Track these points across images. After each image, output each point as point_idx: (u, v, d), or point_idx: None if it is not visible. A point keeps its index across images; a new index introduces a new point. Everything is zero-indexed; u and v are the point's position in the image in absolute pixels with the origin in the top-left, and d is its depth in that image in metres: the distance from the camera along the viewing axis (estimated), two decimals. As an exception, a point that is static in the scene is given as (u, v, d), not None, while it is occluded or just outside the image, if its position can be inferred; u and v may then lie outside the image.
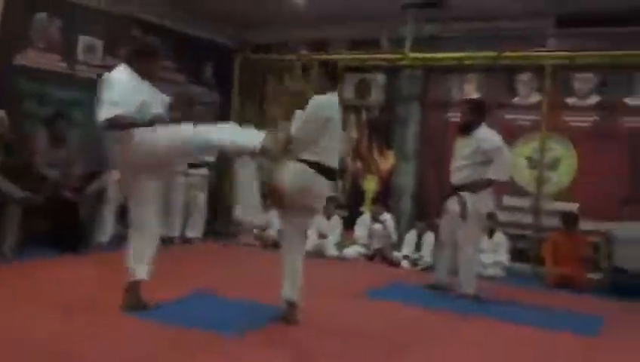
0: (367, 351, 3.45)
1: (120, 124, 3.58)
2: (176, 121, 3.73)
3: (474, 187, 5.21)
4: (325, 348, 3.45)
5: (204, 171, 7.47)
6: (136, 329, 3.46)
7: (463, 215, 5.20)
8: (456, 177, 5.30)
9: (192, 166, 7.23)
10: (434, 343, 3.74)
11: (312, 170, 3.76)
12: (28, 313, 3.56)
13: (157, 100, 3.86)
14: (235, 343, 3.35)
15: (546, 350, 3.84)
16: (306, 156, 3.77)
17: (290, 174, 3.79)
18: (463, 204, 5.20)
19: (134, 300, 3.77)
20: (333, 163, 3.87)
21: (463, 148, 5.34)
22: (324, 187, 3.88)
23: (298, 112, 3.96)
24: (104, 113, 3.56)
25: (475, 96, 7.63)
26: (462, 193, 5.23)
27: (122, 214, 6.51)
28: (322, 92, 3.94)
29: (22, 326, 3.28)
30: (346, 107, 8.61)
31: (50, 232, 5.87)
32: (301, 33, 8.53)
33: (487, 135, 5.25)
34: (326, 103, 3.86)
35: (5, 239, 5.21)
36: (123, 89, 3.65)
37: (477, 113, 5.36)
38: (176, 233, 7.22)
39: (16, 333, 3.15)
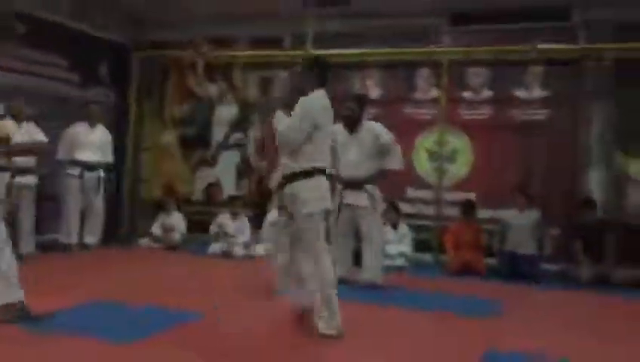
0: (274, 347, 3.39)
1: None
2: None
3: (376, 179, 5.34)
4: (227, 348, 3.36)
5: (99, 173, 7.09)
6: (22, 339, 3.21)
7: (375, 207, 5.30)
8: (357, 171, 5.35)
9: (87, 168, 6.88)
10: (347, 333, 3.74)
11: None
12: None
13: None
14: (133, 348, 3.18)
15: (453, 333, 3.93)
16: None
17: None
18: (372, 196, 5.29)
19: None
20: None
21: (351, 144, 5.38)
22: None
23: (279, 113, 3.77)
24: None
25: (376, 92, 7.79)
26: (367, 186, 5.30)
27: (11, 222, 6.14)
28: (306, 90, 3.73)
29: None
30: (250, 105, 8.59)
31: None
32: (203, 31, 8.34)
33: (381, 129, 5.44)
34: (317, 104, 3.68)
35: None
36: None
37: (364, 108, 5.55)
38: (73, 239, 6.85)
39: None
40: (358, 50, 7.60)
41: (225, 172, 8.63)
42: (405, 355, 3.41)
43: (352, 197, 5.36)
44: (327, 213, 3.78)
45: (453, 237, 6.76)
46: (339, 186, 5.30)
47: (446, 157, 7.45)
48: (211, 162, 8.74)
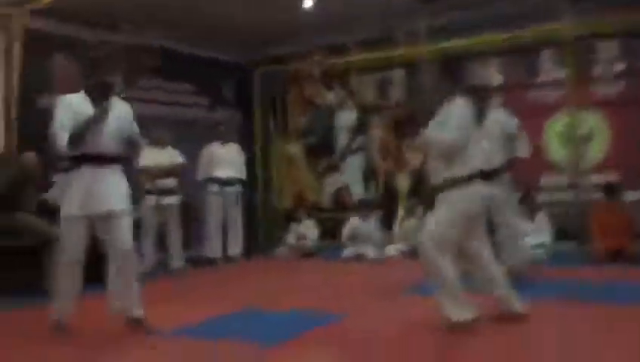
0: (421, 346, 3.40)
1: None
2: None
3: (506, 169, 5.21)
4: (371, 348, 3.41)
5: (237, 188, 7.46)
6: (186, 346, 3.48)
7: (509, 196, 5.23)
8: (488, 163, 5.22)
9: (225, 184, 7.28)
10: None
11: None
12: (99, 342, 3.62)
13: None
14: (279, 349, 3.34)
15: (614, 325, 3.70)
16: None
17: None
18: (505, 186, 5.21)
19: None
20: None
21: (479, 136, 5.27)
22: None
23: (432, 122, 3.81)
24: None
25: (497, 79, 7.54)
26: (500, 176, 5.17)
27: (161, 242, 6.67)
28: (444, 95, 3.81)
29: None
30: (368, 108, 8.66)
31: (91, 267, 5.94)
32: (315, 40, 8.54)
33: (506, 117, 5.34)
34: (466, 110, 3.74)
35: (49, 278, 5.28)
36: None
37: (487, 99, 5.45)
38: (217, 253, 7.29)
39: None
40: (475, 39, 7.39)
41: (352, 176, 8.75)
42: (554, 352, 3.26)
43: (485, 189, 5.25)
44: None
45: (598, 222, 6.34)
46: None
47: (581, 139, 7.03)
48: (337, 168, 8.91)
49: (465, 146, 3.68)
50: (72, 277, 3.79)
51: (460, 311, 3.56)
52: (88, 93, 3.80)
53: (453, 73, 3.97)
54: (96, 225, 3.76)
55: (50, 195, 5.91)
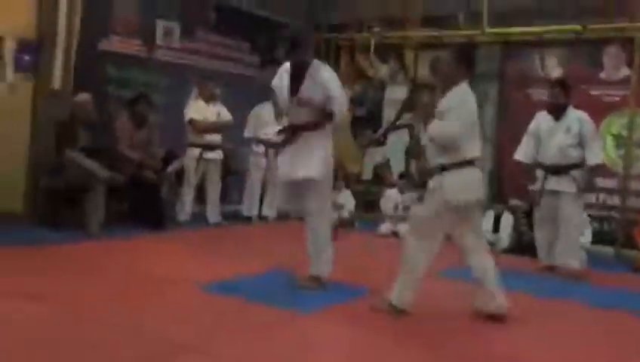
0: (439, 329, 3.41)
1: None
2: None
3: (579, 167, 5.27)
4: (397, 325, 3.43)
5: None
6: (217, 303, 3.56)
7: (579, 193, 5.26)
8: (562, 157, 5.27)
9: (271, 146, 7.31)
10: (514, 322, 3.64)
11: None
12: (120, 287, 3.74)
13: None
14: (308, 319, 3.39)
15: (629, 335, 3.65)
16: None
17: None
18: (577, 182, 5.24)
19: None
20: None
21: (557, 130, 5.30)
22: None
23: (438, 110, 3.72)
24: None
25: (557, 72, 7.31)
26: (573, 172, 5.24)
27: (200, 194, 6.78)
28: (454, 80, 3.70)
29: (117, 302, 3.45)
30: (420, 85, 8.53)
31: (133, 212, 6.11)
32: (374, 11, 8.41)
33: (587, 118, 5.34)
34: (471, 100, 3.71)
35: (92, 218, 5.45)
36: None
37: (567, 94, 5.39)
38: (254, 212, 7.36)
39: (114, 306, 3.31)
40: (539, 27, 7.18)
41: (394, 152, 8.69)
42: (575, 351, 3.23)
43: (555, 183, 5.28)
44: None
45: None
46: (541, 173, 5.40)
47: (636, 142, 6.81)
48: (381, 142, 8.85)
49: (467, 136, 3.59)
50: None
51: (403, 299, 3.58)
52: None
53: (469, 59, 3.87)
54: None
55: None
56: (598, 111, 6.90)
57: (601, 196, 6.94)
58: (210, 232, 6.41)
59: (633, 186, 6.79)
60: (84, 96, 5.77)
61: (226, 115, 6.84)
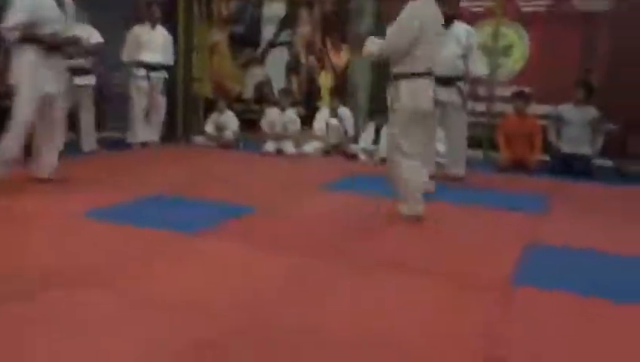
0: (315, 241, 3.57)
1: None
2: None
3: (465, 79, 5.46)
4: (277, 239, 3.55)
5: (164, 74, 7.22)
6: (95, 230, 3.48)
7: (465, 105, 5.47)
8: (450, 68, 5.35)
9: (154, 69, 7.01)
10: (395, 224, 3.88)
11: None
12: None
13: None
14: (196, 239, 3.41)
15: (495, 227, 4.02)
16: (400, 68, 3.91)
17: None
18: (462, 93, 5.44)
19: None
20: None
21: (446, 42, 5.20)
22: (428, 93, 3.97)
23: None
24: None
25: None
26: (458, 83, 5.43)
27: (72, 121, 6.42)
28: None
29: None
30: (298, 1, 8.43)
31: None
32: None
33: (471, 30, 5.51)
34: (420, 10, 3.86)
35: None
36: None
37: (454, 4, 5.47)
38: (139, 138, 7.11)
39: None
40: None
41: (274, 70, 8.64)
42: (441, 244, 3.53)
43: (444, 94, 5.25)
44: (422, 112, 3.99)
45: (504, 132, 6.69)
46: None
47: (500, 51, 7.22)
48: (261, 61, 8.75)
49: (415, 45, 3.85)
50: None
51: (413, 206, 3.94)
52: None
53: None
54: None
55: None
56: (466, 21, 7.19)
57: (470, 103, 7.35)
58: (85, 161, 6.13)
59: (498, 93, 7.24)
60: None
61: (95, 37, 6.42)
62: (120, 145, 7.06)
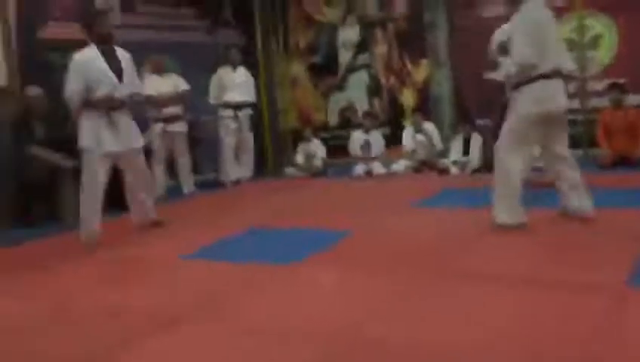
0: (418, 258, 3.51)
1: None
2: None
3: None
4: (378, 260, 3.53)
5: (249, 112, 7.45)
6: (199, 269, 3.62)
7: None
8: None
9: (239, 108, 7.26)
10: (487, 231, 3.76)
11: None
12: (107, 271, 3.77)
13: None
14: (295, 268, 3.46)
15: (605, 228, 3.79)
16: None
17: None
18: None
19: None
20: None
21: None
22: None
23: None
24: None
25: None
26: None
27: (171, 167, 6.77)
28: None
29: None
30: (371, 23, 8.49)
31: (106, 196, 6.07)
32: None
33: None
34: (539, 17, 3.74)
35: (66, 209, 5.44)
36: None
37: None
38: (232, 176, 7.32)
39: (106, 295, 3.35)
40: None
41: (356, 94, 8.71)
42: (546, 251, 3.37)
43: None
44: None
45: (604, 127, 6.34)
46: None
47: (587, 44, 6.90)
48: (341, 86, 8.85)
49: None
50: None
51: (508, 215, 3.78)
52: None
53: None
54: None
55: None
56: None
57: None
58: (186, 203, 6.43)
59: (590, 88, 6.90)
60: (35, 90, 5.68)
61: (182, 85, 6.78)
62: (215, 185, 7.33)
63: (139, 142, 4.69)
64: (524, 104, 3.77)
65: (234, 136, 7.27)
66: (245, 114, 7.35)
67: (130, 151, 4.59)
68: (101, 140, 4.40)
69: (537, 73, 3.71)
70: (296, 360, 2.20)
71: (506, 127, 3.88)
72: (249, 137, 7.46)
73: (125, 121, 4.55)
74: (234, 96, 7.24)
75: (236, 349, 2.35)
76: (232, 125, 7.25)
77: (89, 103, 4.39)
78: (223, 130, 7.30)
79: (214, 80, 7.28)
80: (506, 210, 3.82)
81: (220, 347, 2.38)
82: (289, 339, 2.40)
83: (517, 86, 3.82)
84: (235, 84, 7.28)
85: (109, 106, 4.41)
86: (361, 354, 2.21)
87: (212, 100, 7.28)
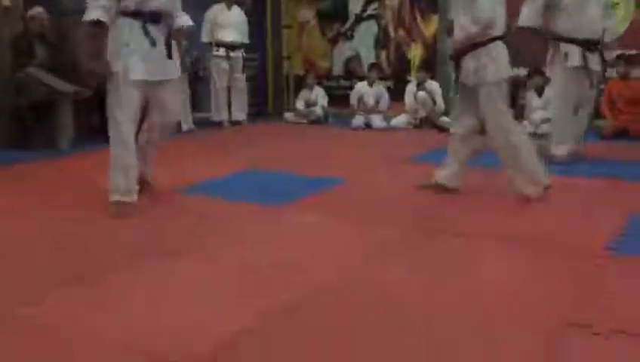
0: (408, 205, 3.53)
1: None
2: None
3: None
4: (371, 206, 3.55)
5: (242, 53, 7.35)
6: (191, 204, 3.64)
7: (604, 75, 4.95)
8: (595, 32, 4.68)
9: (230, 49, 7.17)
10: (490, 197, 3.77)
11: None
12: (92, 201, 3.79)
13: None
14: (288, 209, 3.48)
15: (603, 196, 3.81)
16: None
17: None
18: (604, 62, 4.84)
19: None
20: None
21: (587, 1, 4.64)
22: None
23: None
24: None
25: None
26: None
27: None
28: None
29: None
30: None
31: (103, 125, 6.03)
32: None
33: None
34: None
35: (61, 133, 5.42)
36: None
37: None
38: (224, 117, 7.33)
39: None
40: None
41: (363, 44, 8.58)
42: (538, 215, 3.39)
43: (594, 61, 4.73)
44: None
45: (609, 98, 6.29)
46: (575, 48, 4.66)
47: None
48: (349, 35, 8.71)
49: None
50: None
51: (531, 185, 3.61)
52: None
53: None
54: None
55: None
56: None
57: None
58: (182, 139, 6.38)
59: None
60: (37, 10, 5.57)
61: (187, 21, 6.62)
62: (214, 124, 7.30)
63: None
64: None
65: (225, 75, 7.18)
66: (237, 55, 7.25)
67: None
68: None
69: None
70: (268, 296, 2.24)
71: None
72: (241, 78, 7.37)
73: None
74: (227, 35, 7.12)
75: (211, 283, 2.38)
76: (224, 65, 7.15)
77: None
78: (214, 70, 7.20)
79: (208, 16, 7.13)
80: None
81: (195, 280, 2.42)
82: (281, 274, 2.44)
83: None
84: (230, 22, 7.14)
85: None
86: (335, 294, 2.25)
87: (204, 38, 7.14)
